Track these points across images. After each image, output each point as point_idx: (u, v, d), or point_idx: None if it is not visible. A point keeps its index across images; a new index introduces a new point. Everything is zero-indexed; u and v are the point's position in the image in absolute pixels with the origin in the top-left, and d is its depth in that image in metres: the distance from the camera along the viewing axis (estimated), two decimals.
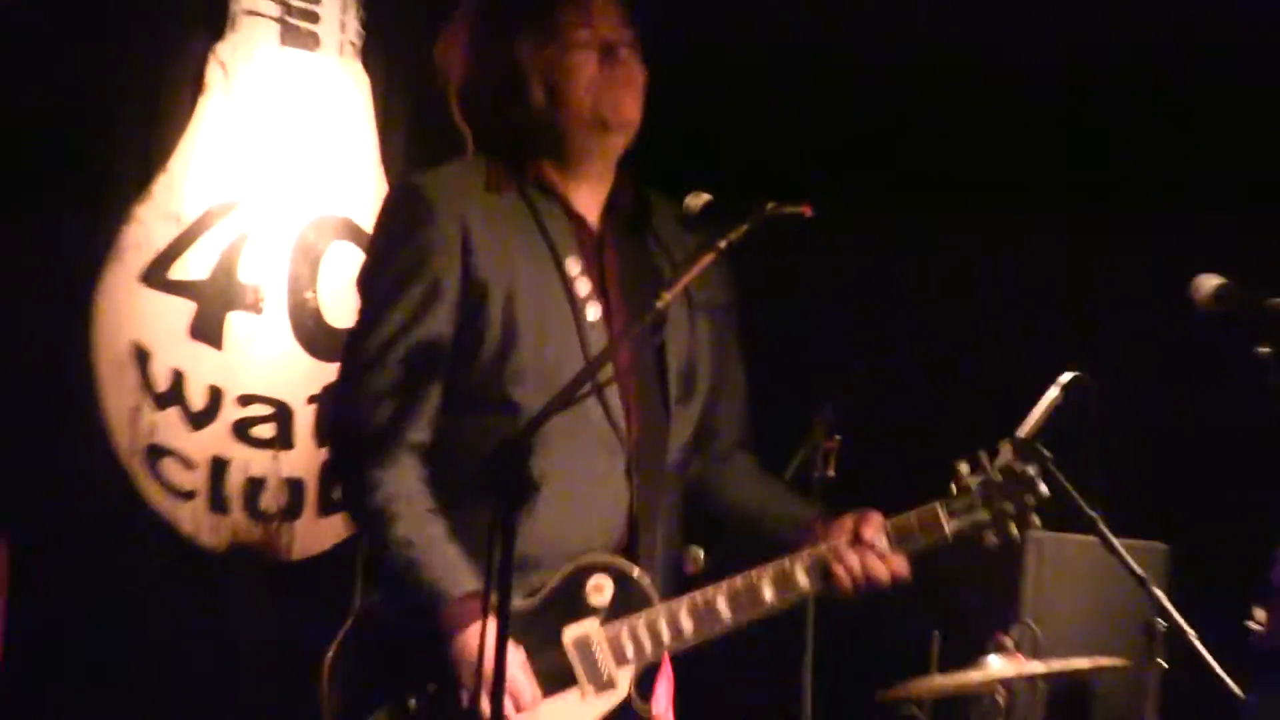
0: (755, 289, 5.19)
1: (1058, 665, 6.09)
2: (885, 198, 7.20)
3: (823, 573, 4.57)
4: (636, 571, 4.45)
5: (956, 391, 6.87)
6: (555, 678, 4.42)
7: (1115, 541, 5.46)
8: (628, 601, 4.45)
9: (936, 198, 7.53)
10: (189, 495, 6.96)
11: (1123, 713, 6.54)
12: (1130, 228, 7.44)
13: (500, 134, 4.65)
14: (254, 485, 7.03)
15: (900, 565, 4.63)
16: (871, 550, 4.58)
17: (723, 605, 4.56)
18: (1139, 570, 5.38)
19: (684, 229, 4.80)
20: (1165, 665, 5.62)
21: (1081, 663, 6.05)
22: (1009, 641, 5.80)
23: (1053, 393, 5.68)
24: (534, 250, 4.50)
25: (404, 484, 4.40)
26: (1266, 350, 4.90)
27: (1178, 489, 6.65)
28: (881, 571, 4.60)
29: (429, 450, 4.45)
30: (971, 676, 5.77)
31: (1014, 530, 4.71)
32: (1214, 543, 6.66)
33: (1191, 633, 5.66)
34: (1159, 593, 5.38)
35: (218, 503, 7.01)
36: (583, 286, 4.54)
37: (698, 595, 4.58)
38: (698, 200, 4.72)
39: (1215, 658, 5.66)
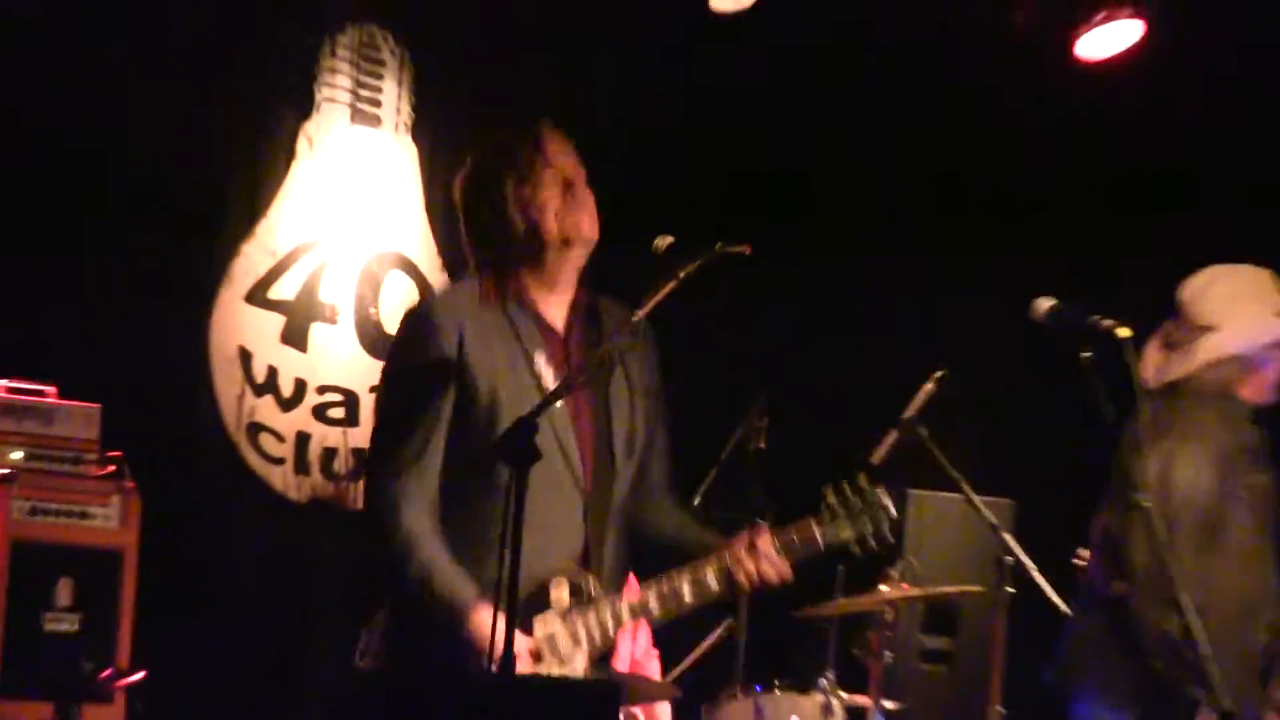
0: (700, 321, 5.60)
1: (931, 590, 6.23)
2: (793, 243, 7.19)
3: (727, 577, 4.72)
4: (590, 580, 4.62)
5: (851, 384, 6.88)
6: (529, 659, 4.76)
7: (975, 497, 5.58)
8: (582, 602, 4.65)
9: (834, 243, 7.47)
10: (279, 461, 7.17)
11: (980, 626, 6.55)
12: (982, 264, 7.42)
13: (491, 255, 4.75)
14: (328, 454, 7.26)
15: (785, 569, 4.72)
16: (764, 559, 4.67)
17: (653, 604, 4.69)
18: (992, 519, 5.53)
19: (625, 323, 4.77)
20: (1012, 591, 5.71)
21: (949, 589, 6.23)
22: (895, 573, 5.87)
23: (928, 386, 5.80)
24: (511, 351, 4.60)
25: (420, 524, 4.55)
26: (1087, 355, 5.08)
27: (1022, 458, 6.70)
28: (771, 574, 4.70)
29: (435, 498, 4.63)
30: (866, 599, 5.90)
31: (873, 545, 4.80)
32: (1050, 499, 6.61)
33: (1031, 566, 5.75)
34: (1007, 536, 5.52)
35: (301, 467, 7.26)
36: (548, 376, 4.67)
37: (634, 597, 4.75)
38: (664, 241, 4.65)
39: (1050, 585, 5.79)
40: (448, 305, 4.69)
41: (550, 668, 4.55)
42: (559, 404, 4.52)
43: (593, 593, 4.52)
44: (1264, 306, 5.55)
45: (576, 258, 4.60)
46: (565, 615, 4.52)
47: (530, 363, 4.53)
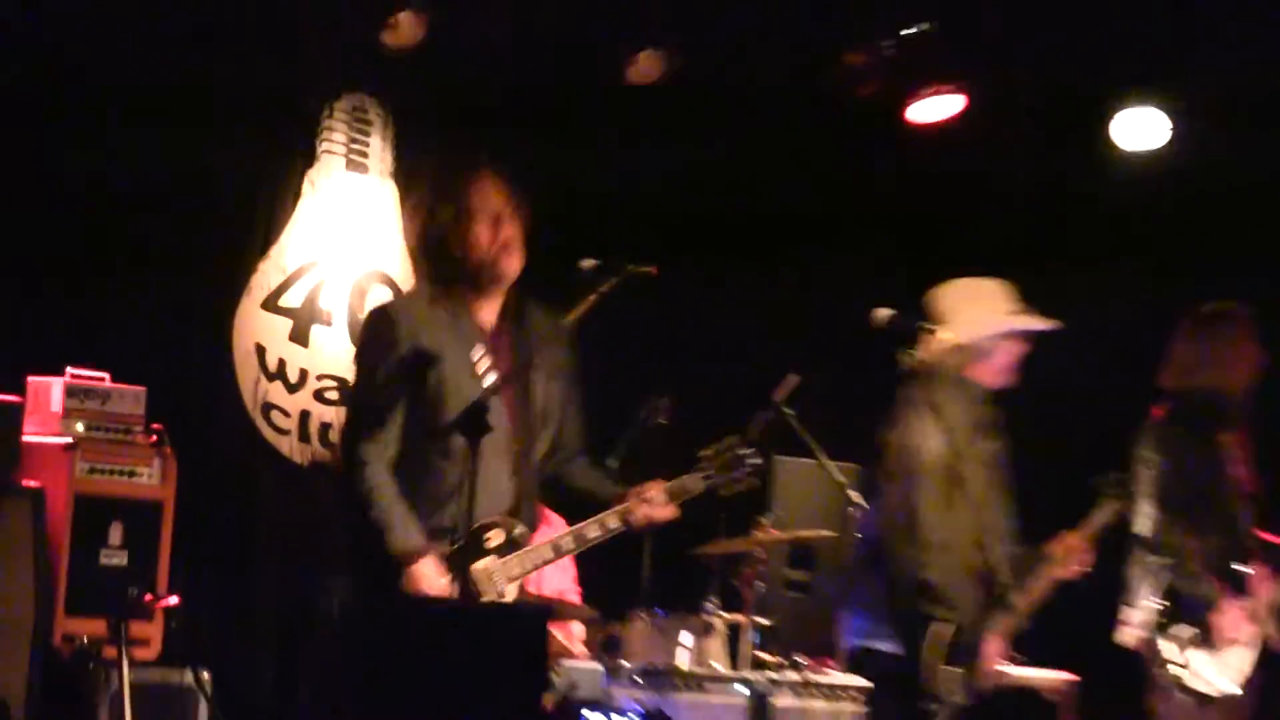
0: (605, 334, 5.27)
1: (794, 534, 6.27)
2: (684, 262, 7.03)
3: (627, 519, 4.75)
4: (518, 527, 4.63)
5: (732, 376, 6.79)
6: (468, 595, 4.62)
7: (828, 462, 5.71)
8: (513, 545, 4.62)
9: (722, 267, 7.48)
10: (287, 432, 7.04)
11: (831, 562, 6.68)
12: (834, 281, 7.45)
13: (435, 273, 4.77)
14: (325, 427, 7.11)
15: (672, 512, 4.82)
16: (655, 504, 4.73)
17: (570, 542, 4.74)
18: (842, 479, 5.62)
19: (549, 320, 4.95)
20: (860, 536, 5.69)
21: (808, 533, 6.24)
22: (766, 521, 5.92)
23: (792, 377, 5.77)
24: (454, 345, 4.61)
25: (380, 479, 4.52)
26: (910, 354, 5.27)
27: (865, 432, 6.60)
28: (660, 516, 4.78)
29: (395, 459, 4.61)
30: (743, 541, 5.95)
31: (739, 488, 4.93)
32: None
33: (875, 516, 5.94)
34: (854, 493, 5.57)
35: (304, 437, 7.11)
36: (483, 366, 4.65)
37: (556, 537, 4.81)
38: (588, 263, 4.82)
39: None
40: (404, 308, 4.81)
41: (489, 597, 4.58)
42: (486, 386, 4.61)
43: (518, 536, 4.55)
44: (990, 306, 5.61)
45: (505, 280, 4.65)
46: (501, 554, 4.53)
47: (469, 353, 4.55)
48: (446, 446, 4.54)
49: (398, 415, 4.59)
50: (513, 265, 4.66)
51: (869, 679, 5.72)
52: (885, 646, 5.37)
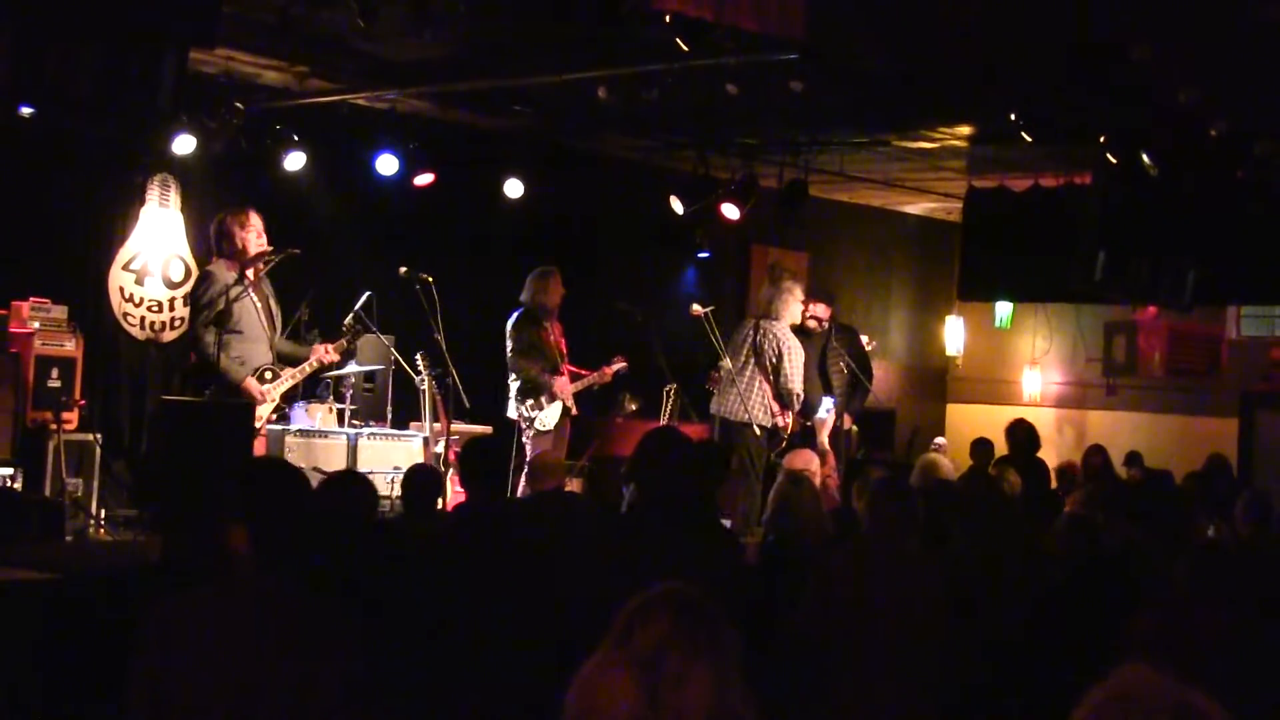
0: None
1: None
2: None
3: (316, 364, 7.16)
4: (278, 367, 7.24)
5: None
6: (257, 397, 7.21)
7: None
8: (274, 375, 7.22)
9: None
10: (134, 325, 9.63)
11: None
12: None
13: (227, 253, 7.32)
14: (149, 323, 9.76)
15: (335, 357, 7.67)
16: (326, 354, 7.45)
17: (297, 375, 7.14)
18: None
19: (268, 279, 7.25)
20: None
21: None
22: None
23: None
24: (240, 291, 7.05)
25: (217, 352, 6.77)
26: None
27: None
28: (330, 359, 7.69)
29: (223, 339, 6.67)
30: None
31: (353, 345, 7.51)
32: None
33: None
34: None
35: (142, 328, 9.74)
36: (256, 301, 7.08)
37: (292, 372, 7.34)
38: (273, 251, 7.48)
39: None
40: (218, 268, 7.56)
41: (267, 400, 7.51)
42: (259, 305, 7.54)
43: (281, 372, 7.36)
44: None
45: (256, 257, 7.46)
46: (273, 379, 7.23)
47: (250, 297, 7.39)
48: (243, 334, 7.23)
49: (221, 321, 6.99)
50: (260, 259, 6.98)
51: None
52: None
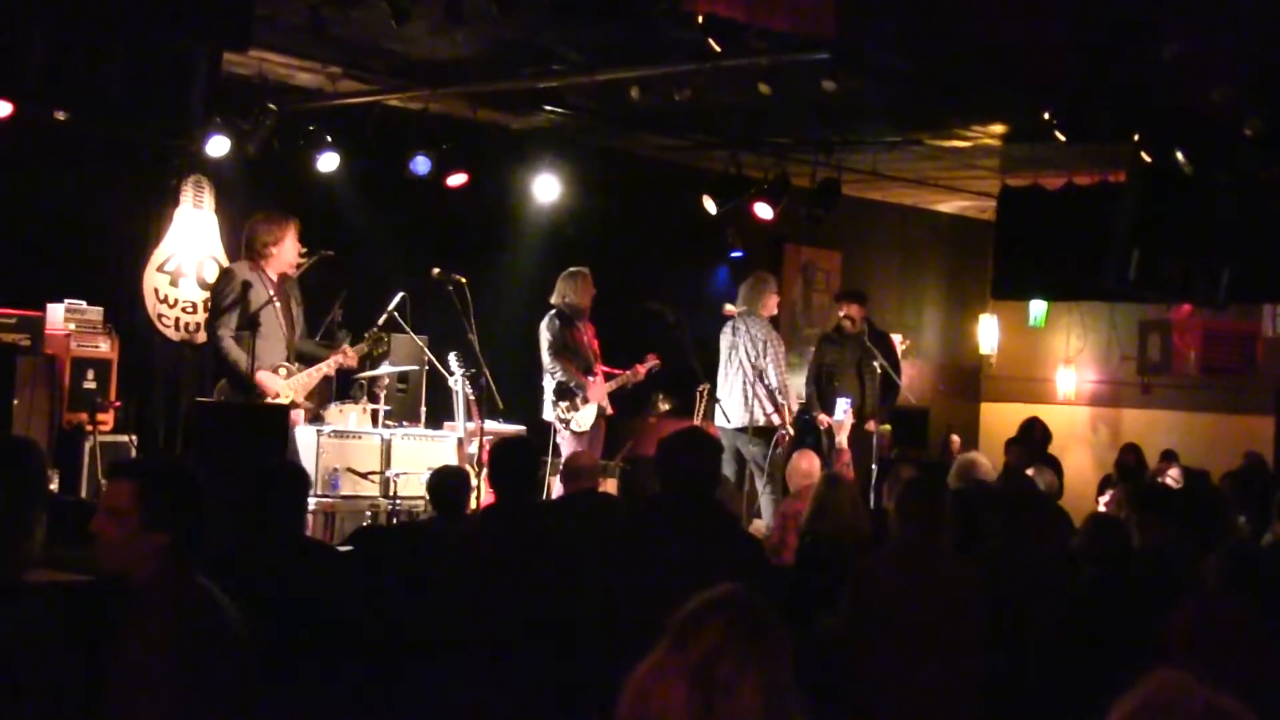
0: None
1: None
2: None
3: (335, 365, 7.11)
4: (296, 366, 7.01)
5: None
6: (274, 394, 6.98)
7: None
8: (290, 373, 6.92)
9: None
10: (168, 326, 9.61)
11: None
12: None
13: (254, 254, 7.21)
14: (184, 325, 9.68)
15: (355, 361, 7.47)
16: (347, 356, 7.28)
17: (315, 376, 6.99)
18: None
19: (293, 281, 7.07)
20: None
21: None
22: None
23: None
24: (261, 291, 6.96)
25: (235, 350, 6.72)
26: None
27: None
28: (350, 363, 7.47)
29: (234, 337, 6.56)
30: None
31: (378, 353, 7.38)
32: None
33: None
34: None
35: (176, 329, 9.73)
36: (279, 304, 6.90)
37: (309, 371, 7.09)
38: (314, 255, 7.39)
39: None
40: (240, 267, 7.48)
41: (285, 397, 7.21)
42: (279, 305, 7.30)
43: (296, 370, 7.18)
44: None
45: (286, 265, 7.32)
46: (287, 376, 7.13)
47: (270, 296, 7.18)
48: (260, 331, 6.94)
49: (240, 321, 6.83)
50: (291, 265, 6.99)
51: None
52: None
